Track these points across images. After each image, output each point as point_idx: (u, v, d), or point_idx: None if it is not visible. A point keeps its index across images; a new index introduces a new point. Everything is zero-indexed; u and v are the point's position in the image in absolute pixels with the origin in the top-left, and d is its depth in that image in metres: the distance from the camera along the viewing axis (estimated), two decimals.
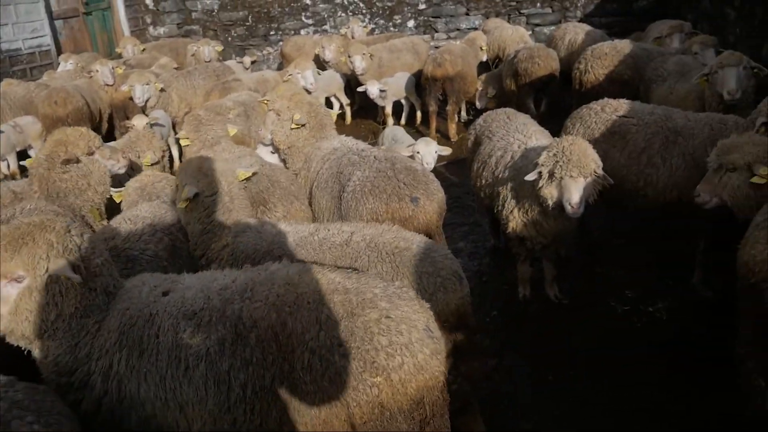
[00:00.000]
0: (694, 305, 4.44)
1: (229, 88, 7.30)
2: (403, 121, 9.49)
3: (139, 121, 7.31)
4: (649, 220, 5.39)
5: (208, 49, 10.36)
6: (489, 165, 4.47)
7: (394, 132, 6.39)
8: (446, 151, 5.16)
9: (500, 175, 4.30)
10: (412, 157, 4.82)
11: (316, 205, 4.06)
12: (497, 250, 5.46)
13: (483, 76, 8.61)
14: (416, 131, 9.19)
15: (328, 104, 9.98)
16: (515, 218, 4.21)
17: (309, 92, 8.11)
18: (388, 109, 9.19)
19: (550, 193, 3.76)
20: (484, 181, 4.57)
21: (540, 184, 3.78)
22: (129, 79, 7.99)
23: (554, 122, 5.67)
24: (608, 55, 6.23)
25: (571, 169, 3.62)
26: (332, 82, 9.75)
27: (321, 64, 9.99)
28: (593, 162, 3.68)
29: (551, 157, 3.71)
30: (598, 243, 5.41)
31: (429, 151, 5.09)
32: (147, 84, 7.84)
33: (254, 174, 3.79)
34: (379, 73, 9.23)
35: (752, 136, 3.70)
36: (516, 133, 4.53)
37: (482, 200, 4.76)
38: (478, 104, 8.51)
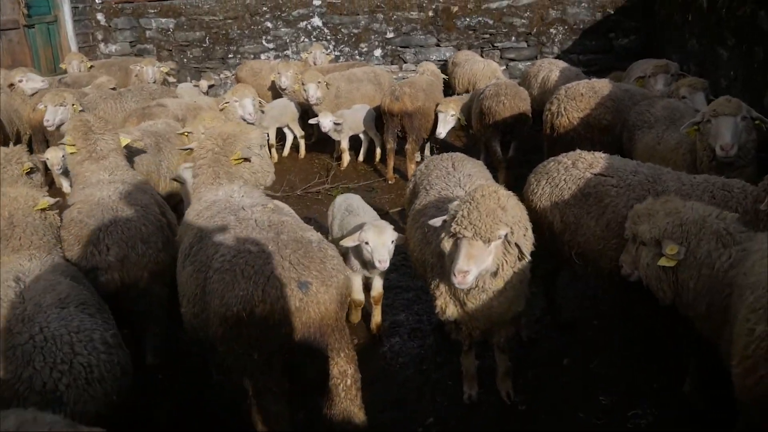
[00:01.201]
0: (685, 421, 3.42)
1: (150, 114, 6.27)
2: (361, 157, 8.57)
3: (53, 154, 6.20)
4: (634, 292, 4.40)
5: (152, 69, 9.38)
6: (420, 225, 3.47)
7: (348, 201, 4.69)
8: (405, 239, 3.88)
9: (431, 240, 3.30)
10: (358, 247, 3.72)
11: (178, 278, 2.99)
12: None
13: (449, 100, 7.33)
14: (374, 169, 8.26)
15: (281, 135, 9.01)
16: (442, 294, 3.22)
17: (247, 122, 7.14)
18: (344, 144, 8.25)
19: (445, 248, 3.00)
20: (416, 244, 3.56)
21: (442, 236, 3.00)
22: (44, 98, 6.94)
23: (528, 168, 4.64)
24: (584, 96, 5.30)
25: (465, 227, 2.81)
26: (286, 112, 8.82)
27: (278, 92, 9.11)
28: (502, 225, 2.83)
29: (456, 207, 2.92)
30: (570, 324, 4.40)
31: (382, 243, 3.68)
32: (61, 105, 6.77)
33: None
34: (336, 104, 8.33)
35: (668, 202, 3.01)
36: (457, 187, 3.55)
37: (416, 269, 3.75)
38: (439, 130, 7.00)
